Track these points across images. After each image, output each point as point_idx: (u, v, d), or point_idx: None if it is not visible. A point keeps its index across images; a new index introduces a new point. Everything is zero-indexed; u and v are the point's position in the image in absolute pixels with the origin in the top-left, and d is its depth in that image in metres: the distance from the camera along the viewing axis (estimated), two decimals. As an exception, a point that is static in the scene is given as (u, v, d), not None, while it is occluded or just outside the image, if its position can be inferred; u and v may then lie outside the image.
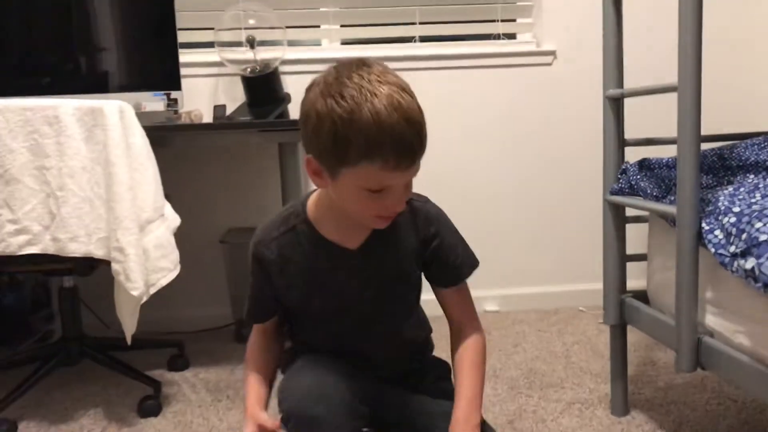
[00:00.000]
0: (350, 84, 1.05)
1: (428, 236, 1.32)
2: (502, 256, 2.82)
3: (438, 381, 1.40)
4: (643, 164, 1.62)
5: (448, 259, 1.33)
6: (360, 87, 1.05)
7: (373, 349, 1.32)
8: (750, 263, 1.17)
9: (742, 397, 1.83)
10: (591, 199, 2.61)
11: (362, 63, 1.08)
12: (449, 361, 1.38)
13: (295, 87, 2.50)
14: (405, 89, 1.07)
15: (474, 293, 1.36)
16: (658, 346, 2.26)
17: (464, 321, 1.36)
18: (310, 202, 1.26)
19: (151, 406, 1.87)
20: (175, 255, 1.79)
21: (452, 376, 1.33)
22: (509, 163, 2.80)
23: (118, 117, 1.67)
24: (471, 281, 1.51)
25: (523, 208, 2.83)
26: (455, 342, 1.36)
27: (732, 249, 1.24)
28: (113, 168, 1.65)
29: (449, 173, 2.75)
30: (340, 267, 1.28)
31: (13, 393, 1.85)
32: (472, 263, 1.37)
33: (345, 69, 1.08)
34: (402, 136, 1.05)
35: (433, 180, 2.71)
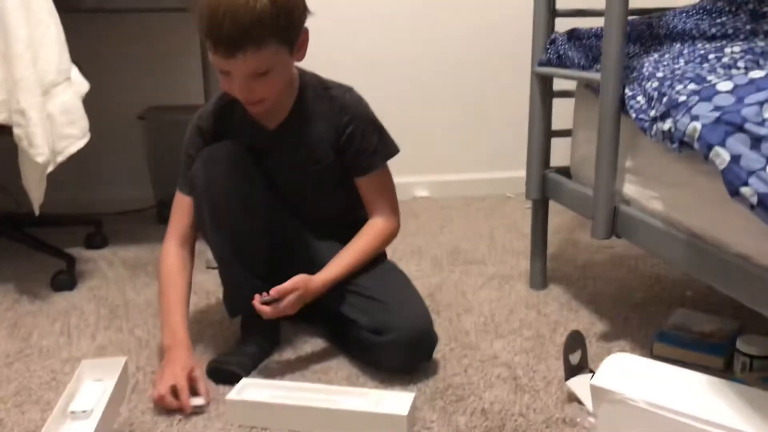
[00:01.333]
0: None
1: (342, 124, 1.39)
2: (432, 143, 2.79)
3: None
4: (573, 34, 1.58)
5: (361, 148, 1.40)
6: None
7: (304, 211, 1.46)
8: (668, 124, 1.16)
9: (656, 273, 1.89)
10: (522, 82, 2.59)
11: None
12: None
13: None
14: None
15: (405, 179, 1.40)
16: (581, 228, 2.30)
17: (373, 207, 1.45)
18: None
19: (64, 280, 1.81)
20: (84, 122, 1.69)
21: None
22: (437, 44, 2.72)
23: (13, -34, 1.52)
24: (401, 166, 1.53)
25: (455, 94, 2.78)
26: (367, 223, 1.45)
27: (652, 113, 1.23)
28: (9, 22, 1.51)
29: (377, 56, 2.66)
30: (260, 146, 1.40)
31: None
32: (387, 153, 1.45)
33: None
34: (220, 28, 1.17)
35: (361, 64, 2.65)
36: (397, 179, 1.48)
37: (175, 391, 1.21)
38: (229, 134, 1.41)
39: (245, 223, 1.35)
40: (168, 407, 1.21)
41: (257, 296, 1.27)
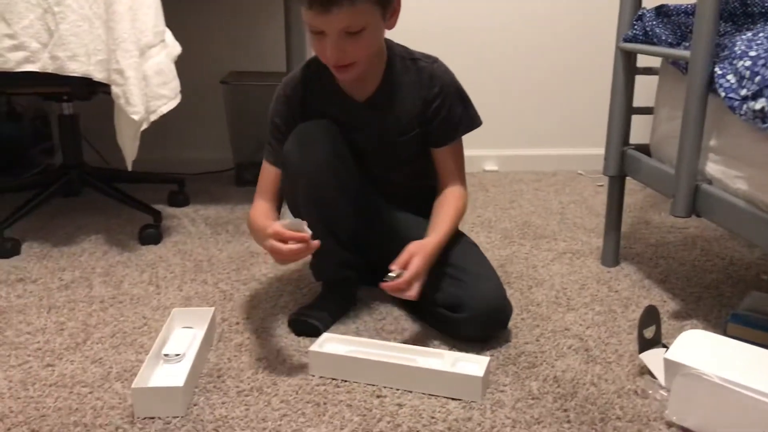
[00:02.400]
0: None
1: (430, 96, 1.41)
2: (503, 117, 2.79)
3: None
4: (661, 10, 1.56)
5: (447, 119, 1.42)
6: None
7: (381, 180, 1.49)
8: (760, 104, 1.15)
9: (730, 255, 1.87)
10: (600, 57, 2.56)
11: None
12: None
13: None
14: None
15: (474, 152, 1.44)
16: (654, 209, 2.29)
17: (450, 177, 1.47)
18: None
19: (152, 234, 1.91)
20: (176, 83, 1.76)
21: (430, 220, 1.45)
22: (514, 16, 2.71)
23: (117, -69, 1.59)
24: (470, 140, 1.56)
25: (528, 69, 2.77)
26: (442, 194, 1.47)
27: (743, 92, 1.22)
28: (112, -15, 1.59)
29: (451, 28, 2.67)
30: (349, 117, 1.41)
31: (16, 213, 1.87)
32: (470, 124, 1.46)
33: None
34: None
35: (434, 35, 2.66)
36: (467, 152, 1.51)
37: (281, 242, 1.19)
38: (316, 105, 1.43)
39: (338, 202, 1.37)
40: (288, 248, 1.18)
41: (383, 283, 1.25)
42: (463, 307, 1.32)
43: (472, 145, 1.39)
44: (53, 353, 1.32)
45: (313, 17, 1.23)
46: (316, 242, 1.18)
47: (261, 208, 1.43)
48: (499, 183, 2.62)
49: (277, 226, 1.19)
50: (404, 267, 1.26)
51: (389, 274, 1.26)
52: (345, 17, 1.22)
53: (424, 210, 1.48)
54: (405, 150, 1.46)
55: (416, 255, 1.28)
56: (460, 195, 1.46)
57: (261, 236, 1.29)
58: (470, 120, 1.46)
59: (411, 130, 1.43)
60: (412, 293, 1.25)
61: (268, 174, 1.46)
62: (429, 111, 1.42)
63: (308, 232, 1.18)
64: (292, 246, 1.18)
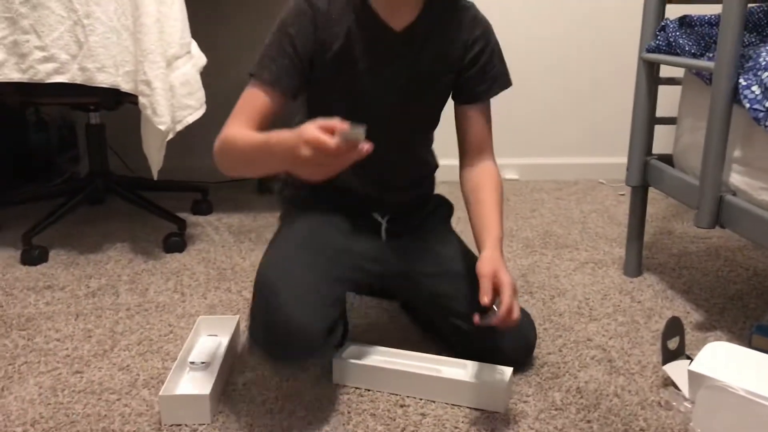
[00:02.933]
0: None
1: (472, 38, 1.25)
2: (523, 126, 2.79)
3: (439, 225, 1.40)
4: (684, 21, 1.57)
5: (484, 69, 1.27)
6: None
7: (382, 162, 1.11)
8: (785, 116, 1.15)
9: (753, 266, 1.86)
10: (620, 66, 2.55)
11: None
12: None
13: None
14: None
15: None
16: (675, 218, 2.28)
17: (482, 146, 1.31)
18: None
19: (176, 242, 1.93)
20: (201, 93, 1.79)
21: (468, 208, 1.30)
22: (538, 26, 2.72)
23: (145, -55, 1.62)
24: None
25: (548, 77, 2.77)
26: (472, 170, 1.31)
27: (768, 104, 1.22)
28: (140, -2, 1.62)
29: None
30: (377, 49, 1.20)
31: (43, 221, 1.91)
32: (504, 82, 1.31)
33: None
34: None
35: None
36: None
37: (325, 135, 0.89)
38: (342, 27, 1.19)
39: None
40: (336, 143, 0.88)
41: (476, 317, 1.09)
42: (496, 347, 1.24)
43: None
44: (81, 360, 1.34)
45: None
46: (368, 146, 0.89)
47: (245, 131, 1.12)
48: (519, 192, 2.62)
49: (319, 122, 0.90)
50: (495, 292, 1.09)
51: (489, 311, 1.09)
52: None
53: (419, 212, 1.37)
54: (432, 103, 1.29)
55: (498, 274, 1.10)
56: (496, 172, 1.31)
57: (276, 145, 0.99)
58: (506, 77, 1.31)
59: (444, 76, 1.26)
60: (516, 315, 1.09)
61: (256, 99, 1.16)
62: (468, 55, 1.25)
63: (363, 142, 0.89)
64: (339, 143, 0.88)
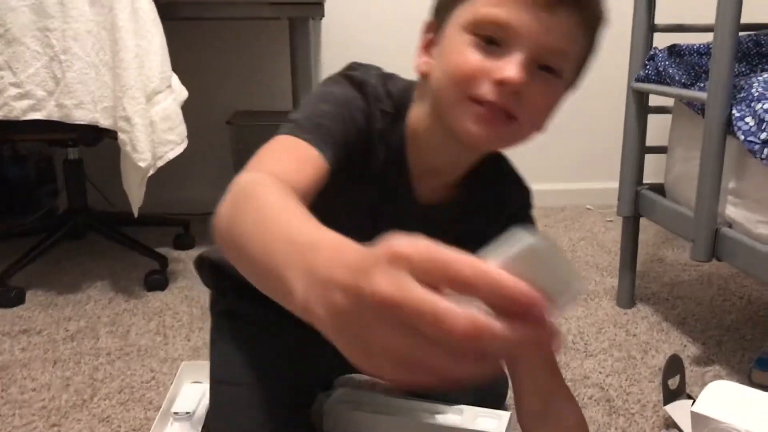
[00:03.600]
0: None
1: (509, 214, 1.01)
2: (509, 152, 2.76)
3: None
4: (673, 50, 1.55)
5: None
6: None
7: None
8: (782, 149, 1.13)
9: (747, 294, 1.84)
10: (606, 92, 2.55)
11: None
12: None
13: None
14: None
15: None
16: (666, 245, 2.26)
17: (554, 391, 0.96)
18: (414, 113, 0.86)
19: (158, 280, 1.87)
20: (183, 128, 1.74)
21: None
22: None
23: (123, -21, 1.59)
24: None
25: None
26: (543, 419, 0.95)
27: (763, 136, 1.20)
28: (119, 33, 1.58)
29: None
30: (394, 208, 0.91)
31: (20, 261, 1.85)
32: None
33: None
34: None
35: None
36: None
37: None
38: (360, 163, 0.85)
39: None
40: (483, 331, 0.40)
41: None
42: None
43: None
44: (59, 411, 1.28)
45: (520, 10, 0.72)
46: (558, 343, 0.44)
47: (283, 192, 0.64)
48: (507, 219, 2.59)
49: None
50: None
51: None
52: (566, 29, 0.74)
53: None
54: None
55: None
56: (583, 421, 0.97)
57: (326, 249, 0.47)
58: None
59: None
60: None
61: (303, 155, 0.75)
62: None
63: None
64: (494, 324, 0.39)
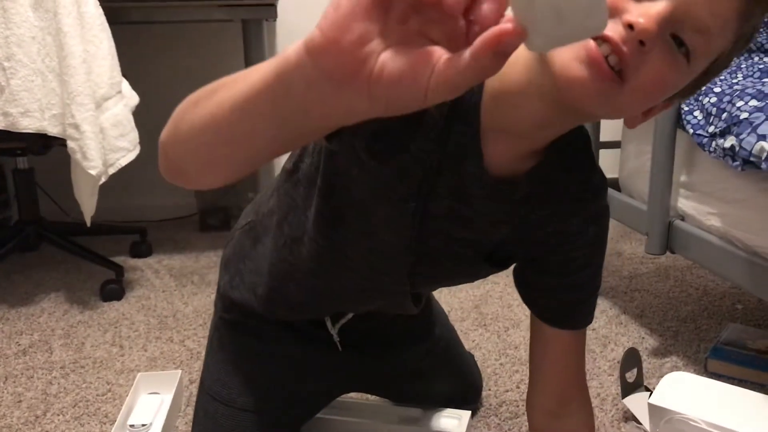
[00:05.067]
0: None
1: (581, 224, 0.85)
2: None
3: (415, 364, 1.18)
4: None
5: (570, 264, 0.87)
6: None
7: (378, 316, 0.98)
8: (729, 141, 1.15)
9: (703, 285, 1.87)
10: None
11: None
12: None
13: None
14: None
15: None
16: (624, 239, 2.28)
17: (573, 395, 0.94)
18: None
19: (114, 290, 1.84)
20: (135, 135, 1.71)
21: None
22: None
23: (68, -18, 1.55)
24: None
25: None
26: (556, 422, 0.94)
27: (711, 129, 1.22)
28: (65, 38, 1.54)
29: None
30: (454, 177, 0.75)
31: (-32, 275, 1.79)
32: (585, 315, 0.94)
33: None
34: None
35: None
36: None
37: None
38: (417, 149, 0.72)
39: None
40: None
41: None
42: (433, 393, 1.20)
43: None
44: (10, 429, 1.24)
45: None
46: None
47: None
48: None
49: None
50: None
51: None
52: (726, 9, 0.61)
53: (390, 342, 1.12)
54: (487, 272, 0.92)
55: None
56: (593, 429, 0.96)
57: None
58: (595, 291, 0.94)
59: (506, 261, 0.89)
60: None
61: None
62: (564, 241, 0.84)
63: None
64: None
